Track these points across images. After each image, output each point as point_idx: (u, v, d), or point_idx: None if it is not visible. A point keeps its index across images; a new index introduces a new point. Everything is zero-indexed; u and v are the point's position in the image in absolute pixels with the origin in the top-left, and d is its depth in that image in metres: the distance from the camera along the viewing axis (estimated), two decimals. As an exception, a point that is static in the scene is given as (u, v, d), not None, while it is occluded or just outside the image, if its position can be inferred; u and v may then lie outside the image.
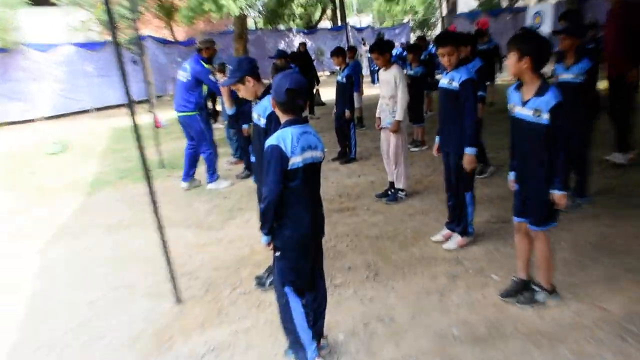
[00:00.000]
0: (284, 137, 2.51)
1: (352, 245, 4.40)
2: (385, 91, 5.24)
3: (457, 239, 4.17)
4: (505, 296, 3.32)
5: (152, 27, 21.51)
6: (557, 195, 2.96)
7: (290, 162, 2.50)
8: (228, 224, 5.23)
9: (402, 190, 5.41)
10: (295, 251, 2.67)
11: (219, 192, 6.33)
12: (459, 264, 3.88)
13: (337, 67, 7.36)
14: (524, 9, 19.55)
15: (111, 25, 3.34)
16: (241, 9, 11.48)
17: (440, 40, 3.93)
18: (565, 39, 4.30)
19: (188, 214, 5.60)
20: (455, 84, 3.85)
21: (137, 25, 8.94)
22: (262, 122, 3.32)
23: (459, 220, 4.18)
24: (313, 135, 2.62)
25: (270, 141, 2.52)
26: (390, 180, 5.50)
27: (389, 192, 5.48)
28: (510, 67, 2.95)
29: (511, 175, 3.26)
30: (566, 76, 4.37)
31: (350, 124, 7.26)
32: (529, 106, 2.94)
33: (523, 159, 3.10)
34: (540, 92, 2.90)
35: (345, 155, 7.35)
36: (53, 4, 17.22)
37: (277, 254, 2.70)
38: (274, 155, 2.49)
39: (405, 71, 7.80)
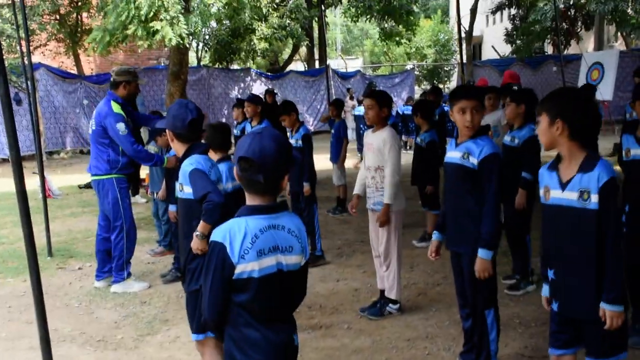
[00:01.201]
0: (233, 232, 2.49)
1: (325, 381, 4.47)
2: (372, 160, 5.41)
3: (476, 378, 4.27)
4: None
5: (46, 52, 21.93)
6: (609, 311, 2.99)
7: (238, 270, 2.48)
8: (145, 342, 5.21)
9: (393, 301, 5.55)
10: None
11: (134, 295, 6.35)
12: (477, 413, 3.95)
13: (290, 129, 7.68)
14: (576, 58, 20.53)
15: None
16: (181, 37, 11.96)
17: (462, 92, 4.09)
18: None
19: (87, 326, 5.57)
20: (474, 160, 4.00)
21: (25, 48, 8.28)
22: (187, 191, 3.66)
23: (478, 351, 4.26)
24: (287, 231, 2.59)
25: (215, 235, 2.53)
26: (380, 288, 5.65)
27: (377, 304, 5.62)
28: (541, 135, 3.14)
29: (545, 291, 3.35)
30: None
31: (313, 205, 7.38)
32: (572, 187, 3.05)
33: (565, 264, 3.18)
34: (586, 167, 3.01)
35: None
36: None
37: None
38: (214, 257, 2.50)
39: (406, 138, 8.17)
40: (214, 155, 4.60)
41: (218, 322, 2.56)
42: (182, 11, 12.39)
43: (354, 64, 39.53)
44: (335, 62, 37.25)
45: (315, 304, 5.94)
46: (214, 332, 2.67)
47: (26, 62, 8.37)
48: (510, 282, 6.13)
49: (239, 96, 11.91)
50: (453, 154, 4.16)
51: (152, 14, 11.58)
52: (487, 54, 35.48)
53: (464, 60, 23.73)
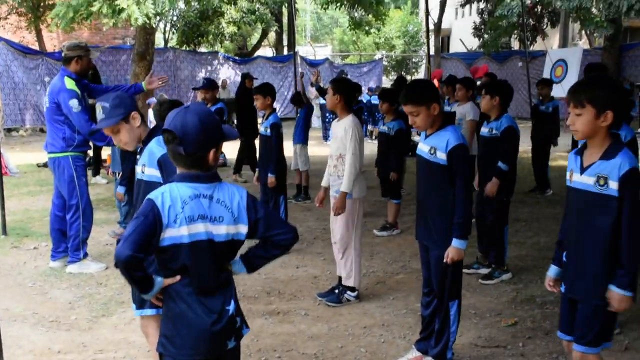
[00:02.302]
0: (165, 196, 2.58)
1: (280, 366, 4.45)
2: (334, 148, 5.50)
3: (430, 367, 4.30)
4: None
5: (6, 26, 21.42)
6: (616, 294, 3.09)
7: (167, 234, 2.56)
8: (100, 323, 5.18)
9: (351, 289, 5.59)
10: None
11: (90, 276, 6.27)
12: (430, 401, 4.00)
13: (262, 112, 7.62)
14: (541, 54, 21.01)
15: None
16: (147, 17, 11.76)
17: (404, 96, 4.09)
18: None
19: (40, 306, 5.50)
20: (441, 155, 4.03)
21: None
22: (148, 173, 3.59)
23: (436, 340, 4.28)
24: (217, 201, 2.65)
25: (150, 195, 2.62)
26: (339, 275, 5.68)
27: (335, 291, 5.65)
28: (582, 126, 3.12)
29: (551, 271, 3.45)
30: None
31: (280, 197, 7.30)
32: (590, 172, 3.15)
33: (576, 247, 3.26)
34: (609, 155, 3.10)
35: None
36: None
37: None
38: (146, 208, 2.56)
39: (372, 127, 8.20)
40: None
41: (129, 266, 2.48)
42: (150, -10, 12.19)
43: (323, 52, 39.45)
44: (304, 49, 37.15)
45: (273, 290, 5.95)
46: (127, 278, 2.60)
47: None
48: (469, 271, 6.21)
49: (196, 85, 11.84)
50: (422, 147, 4.20)
51: (118, -9, 11.37)
52: (455, 47, 35.74)
53: (432, 53, 23.99)
